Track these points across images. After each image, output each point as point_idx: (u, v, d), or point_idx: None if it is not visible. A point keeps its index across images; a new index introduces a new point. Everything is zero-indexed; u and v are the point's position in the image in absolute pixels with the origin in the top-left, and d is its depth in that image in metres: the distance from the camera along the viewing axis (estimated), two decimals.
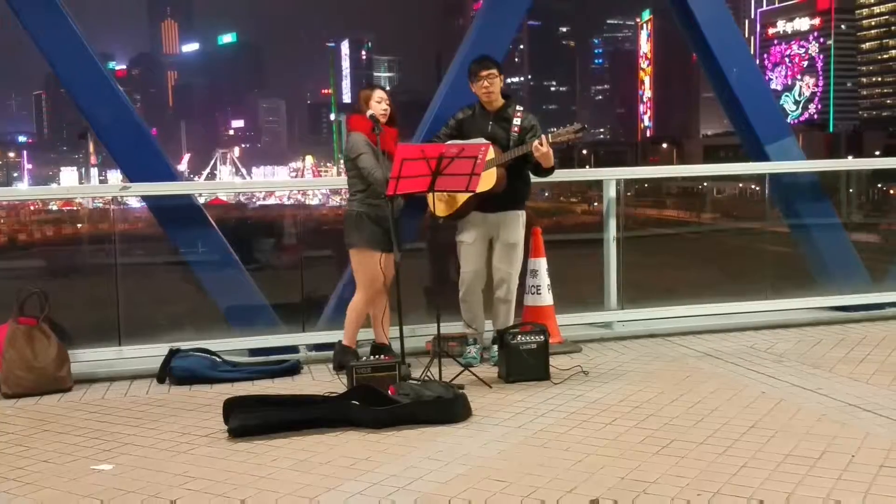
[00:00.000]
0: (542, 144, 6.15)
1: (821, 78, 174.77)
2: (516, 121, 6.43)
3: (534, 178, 6.62)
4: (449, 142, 6.26)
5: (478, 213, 6.41)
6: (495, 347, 6.43)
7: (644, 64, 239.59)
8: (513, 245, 6.49)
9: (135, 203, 8.66)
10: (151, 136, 7.58)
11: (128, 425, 5.23)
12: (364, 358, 6.04)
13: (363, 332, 6.71)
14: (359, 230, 6.34)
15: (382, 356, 5.96)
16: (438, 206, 6.28)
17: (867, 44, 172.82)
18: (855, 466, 4.17)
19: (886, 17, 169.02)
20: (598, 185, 7.85)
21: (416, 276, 7.59)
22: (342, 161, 6.58)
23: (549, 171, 6.40)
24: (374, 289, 6.43)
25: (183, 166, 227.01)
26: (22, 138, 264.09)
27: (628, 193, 8.08)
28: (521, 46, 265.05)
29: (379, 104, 6.41)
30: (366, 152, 6.27)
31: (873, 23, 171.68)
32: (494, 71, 6.42)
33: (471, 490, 3.99)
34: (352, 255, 6.45)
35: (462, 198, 6.25)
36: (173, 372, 6.26)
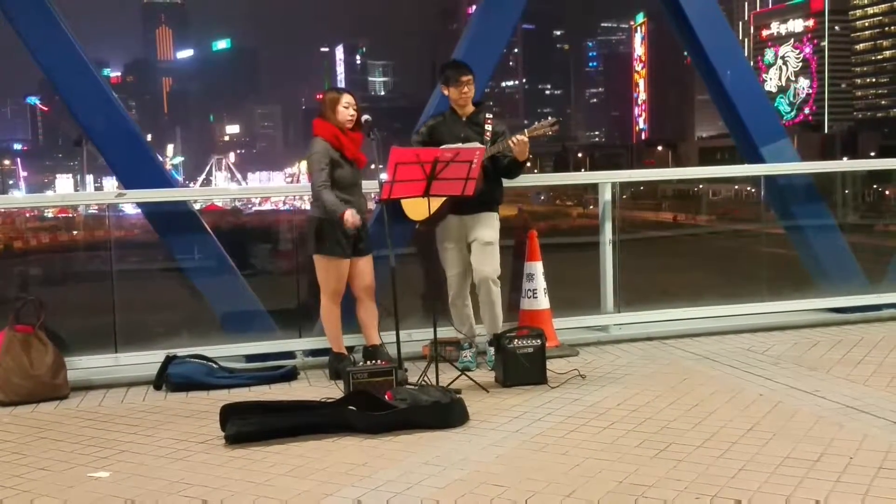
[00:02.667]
0: (522, 139, 6.19)
1: (815, 79, 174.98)
2: (488, 126, 6.50)
3: (506, 182, 6.62)
4: (442, 146, 6.24)
5: (453, 216, 6.43)
6: (491, 351, 6.43)
7: (638, 66, 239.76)
8: (488, 244, 6.45)
9: (130, 210, 8.66)
10: (146, 143, 7.58)
11: (124, 432, 5.22)
12: (359, 363, 6.02)
13: (357, 338, 6.69)
14: (319, 237, 6.24)
15: (379, 361, 5.94)
16: (414, 211, 6.29)
17: (861, 45, 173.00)
18: (853, 468, 4.17)
19: (880, 17, 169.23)
20: (593, 188, 7.85)
21: (412, 281, 7.58)
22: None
23: (521, 169, 6.42)
24: (338, 294, 6.38)
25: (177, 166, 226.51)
26: (17, 146, 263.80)
27: (624, 196, 8.09)
28: (516, 50, 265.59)
29: (346, 110, 6.27)
30: (323, 168, 6.14)
31: (867, 24, 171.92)
32: (472, 77, 6.49)
33: (469, 495, 3.99)
34: (315, 261, 6.36)
35: (435, 202, 6.20)
36: (170, 379, 6.25)
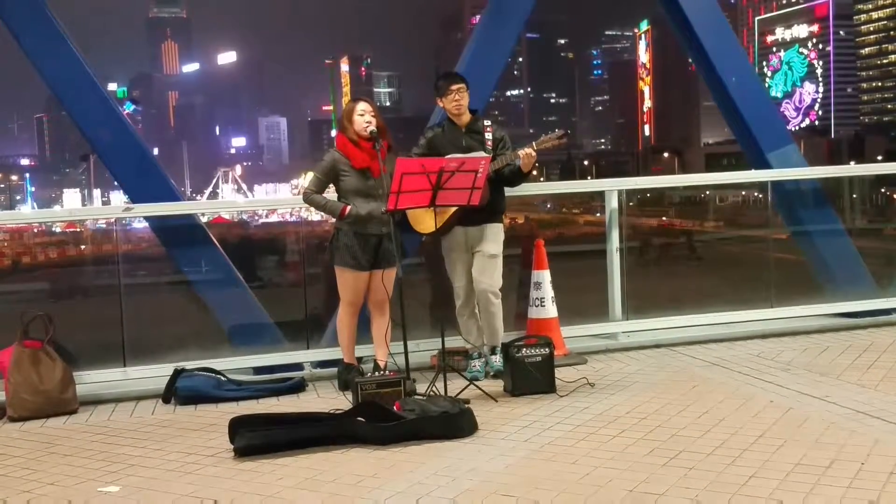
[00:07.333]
0: (530, 152, 6.19)
1: (821, 84, 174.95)
2: (487, 135, 6.47)
3: (509, 192, 6.62)
4: (448, 156, 6.23)
5: (459, 227, 6.40)
6: (493, 358, 6.44)
7: (643, 74, 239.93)
8: (492, 256, 6.45)
9: (138, 224, 8.68)
10: (153, 158, 7.59)
11: (134, 446, 5.22)
12: (368, 374, 6.01)
13: (368, 349, 6.68)
14: (337, 248, 6.23)
15: (388, 372, 5.92)
16: (420, 225, 6.28)
17: (866, 49, 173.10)
18: (865, 474, 4.15)
19: (884, 22, 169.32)
20: (600, 195, 7.84)
21: (420, 291, 7.57)
22: None
23: (525, 179, 6.43)
24: (353, 305, 6.35)
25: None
26: (24, 161, 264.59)
27: (630, 203, 8.07)
28: (520, 59, 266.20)
29: (361, 118, 6.18)
30: (318, 178, 6.22)
31: (871, 28, 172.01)
32: (463, 85, 6.44)
33: None
34: (336, 271, 6.35)
35: (446, 214, 6.22)
36: (178, 392, 6.25)
